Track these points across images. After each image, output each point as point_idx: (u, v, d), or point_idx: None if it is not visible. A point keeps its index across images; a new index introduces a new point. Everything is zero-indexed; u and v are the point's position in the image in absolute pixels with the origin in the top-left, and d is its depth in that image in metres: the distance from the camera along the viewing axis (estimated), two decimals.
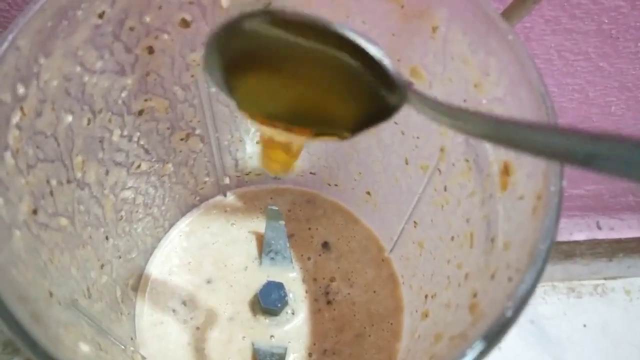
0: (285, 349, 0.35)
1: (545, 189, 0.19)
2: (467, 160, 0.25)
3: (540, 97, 0.20)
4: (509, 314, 0.17)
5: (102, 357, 0.26)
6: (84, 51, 0.23)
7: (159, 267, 0.37)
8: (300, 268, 0.37)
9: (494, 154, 0.23)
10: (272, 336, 0.35)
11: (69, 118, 0.24)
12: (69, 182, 0.26)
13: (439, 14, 0.23)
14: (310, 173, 0.38)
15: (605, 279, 0.75)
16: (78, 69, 0.24)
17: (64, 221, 0.25)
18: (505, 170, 0.22)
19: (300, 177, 0.39)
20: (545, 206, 0.18)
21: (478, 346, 0.16)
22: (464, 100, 0.24)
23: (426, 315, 0.31)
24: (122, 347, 0.31)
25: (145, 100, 0.28)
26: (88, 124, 0.26)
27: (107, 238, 0.30)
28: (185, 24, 0.26)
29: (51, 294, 0.23)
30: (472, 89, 0.24)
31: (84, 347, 0.23)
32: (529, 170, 0.20)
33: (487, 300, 0.20)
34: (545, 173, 0.19)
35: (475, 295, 0.22)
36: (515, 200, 0.21)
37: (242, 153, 0.36)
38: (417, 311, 0.33)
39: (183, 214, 0.38)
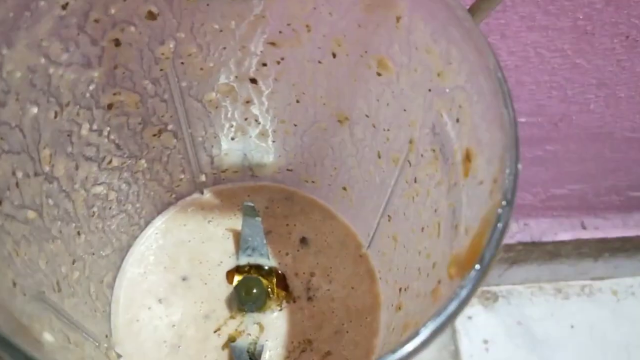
0: (262, 346, 0.34)
1: (501, 172, 0.19)
2: (433, 150, 0.26)
3: (498, 82, 0.20)
4: (463, 293, 0.17)
5: (71, 350, 0.26)
6: (48, 42, 0.23)
7: (134, 265, 0.37)
8: (279, 264, 0.37)
9: (458, 142, 0.23)
10: (248, 334, 0.35)
11: (35, 110, 0.24)
12: (36, 174, 0.26)
13: (401, 3, 0.24)
14: (287, 170, 0.38)
15: (592, 279, 0.75)
16: (43, 60, 0.24)
17: (31, 214, 0.25)
18: (467, 157, 0.22)
19: (278, 174, 0.39)
20: (500, 188, 0.18)
21: (430, 325, 0.16)
22: (429, 90, 0.25)
23: (399, 308, 0.31)
24: (96, 343, 0.31)
25: (114, 94, 0.28)
26: (55, 116, 0.26)
27: (78, 234, 0.30)
28: (151, 16, 0.26)
29: (15, 284, 0.22)
30: (435, 78, 0.24)
31: (49, 337, 0.23)
32: (488, 156, 0.21)
33: (447, 285, 0.20)
34: (501, 157, 0.19)
35: (439, 282, 0.22)
36: (476, 186, 0.21)
37: (218, 150, 0.36)
38: (392, 305, 0.33)
39: (159, 212, 0.38)
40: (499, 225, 0.18)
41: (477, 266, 0.17)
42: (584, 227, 0.67)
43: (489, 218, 0.18)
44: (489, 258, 0.17)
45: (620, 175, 0.59)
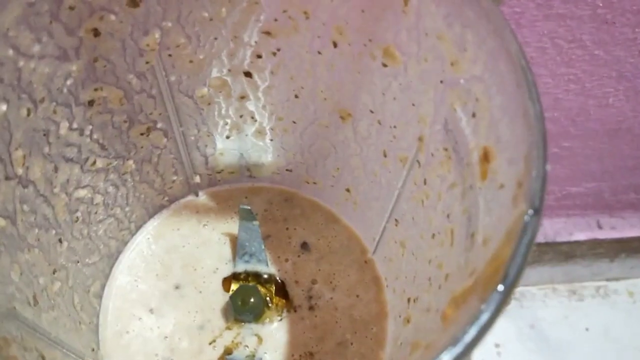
0: (260, 359, 0.32)
1: (527, 175, 0.16)
2: (446, 149, 0.23)
3: (522, 71, 0.18)
4: (483, 318, 0.14)
5: None
6: (16, 32, 0.21)
7: (124, 272, 0.34)
8: (278, 270, 0.35)
9: (474, 140, 0.21)
10: (246, 346, 0.33)
11: (3, 107, 0.22)
12: (7, 178, 0.23)
13: None
14: (287, 170, 0.36)
15: (607, 280, 0.73)
16: (10, 52, 0.21)
17: (1, 221, 0.23)
18: (485, 157, 0.20)
19: (276, 174, 0.36)
20: (526, 194, 0.16)
21: (445, 357, 0.14)
22: (441, 82, 0.22)
23: (408, 321, 0.28)
24: (79, 359, 0.29)
25: (96, 89, 0.26)
26: (28, 114, 0.23)
27: (60, 241, 0.28)
28: (133, 3, 0.24)
29: None
30: (448, 68, 0.21)
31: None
32: (510, 155, 0.18)
33: (464, 306, 0.18)
34: (527, 157, 0.17)
35: (453, 298, 0.19)
36: (496, 190, 0.19)
37: (212, 149, 0.34)
38: (400, 316, 0.31)
39: (151, 216, 0.36)
40: (525, 237, 0.15)
41: (501, 287, 0.15)
42: (600, 227, 0.64)
43: (513, 229, 0.16)
44: (513, 276, 0.15)
45: (638, 172, 0.56)
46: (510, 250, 0.15)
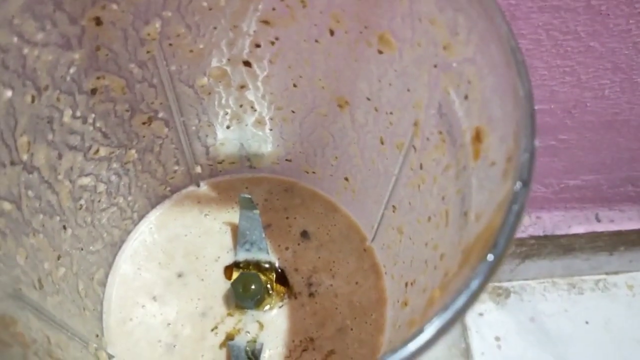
0: (262, 345, 0.33)
1: (516, 150, 0.17)
2: (440, 133, 0.24)
3: (511, 51, 0.18)
4: (473, 285, 0.15)
5: (52, 352, 0.24)
6: (21, 20, 0.22)
7: (127, 260, 0.35)
8: (279, 259, 0.35)
9: (467, 121, 0.21)
10: (247, 332, 0.33)
11: (9, 93, 0.22)
12: (12, 163, 0.24)
13: None
14: (287, 160, 0.36)
15: (606, 273, 0.73)
16: (15, 39, 0.22)
17: (7, 205, 0.24)
18: (477, 137, 0.20)
19: (276, 164, 0.37)
20: (515, 167, 0.16)
21: (436, 321, 0.14)
22: (435, 66, 0.23)
23: (406, 304, 0.29)
24: (84, 344, 0.29)
25: (98, 78, 0.26)
26: (32, 101, 0.24)
27: (64, 228, 0.29)
28: None
29: None
30: (441, 52, 0.22)
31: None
32: (501, 134, 0.19)
33: (455, 278, 0.18)
34: (516, 133, 0.17)
35: (446, 275, 0.20)
36: (487, 168, 0.19)
37: (213, 139, 0.34)
38: (398, 301, 0.31)
39: (153, 206, 0.36)
40: (514, 207, 0.16)
41: (490, 256, 0.15)
42: (598, 220, 0.64)
43: (503, 201, 0.16)
44: (503, 245, 0.15)
45: (636, 165, 0.57)
46: (500, 221, 0.16)
